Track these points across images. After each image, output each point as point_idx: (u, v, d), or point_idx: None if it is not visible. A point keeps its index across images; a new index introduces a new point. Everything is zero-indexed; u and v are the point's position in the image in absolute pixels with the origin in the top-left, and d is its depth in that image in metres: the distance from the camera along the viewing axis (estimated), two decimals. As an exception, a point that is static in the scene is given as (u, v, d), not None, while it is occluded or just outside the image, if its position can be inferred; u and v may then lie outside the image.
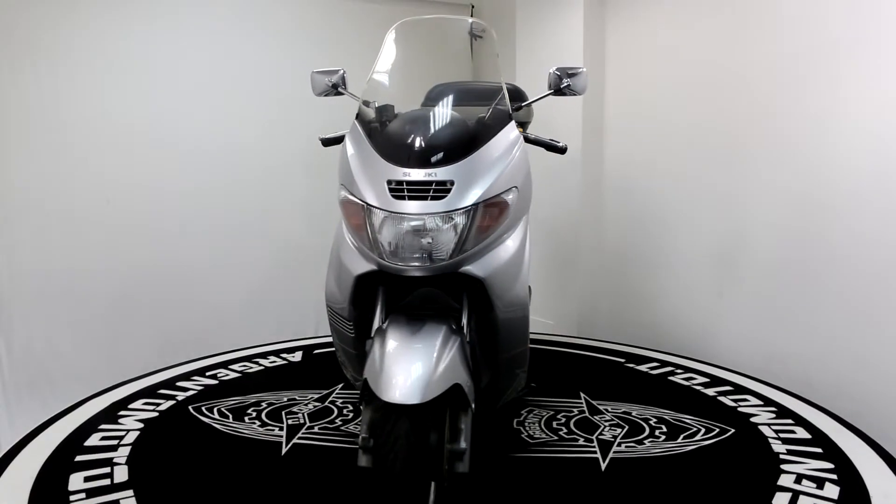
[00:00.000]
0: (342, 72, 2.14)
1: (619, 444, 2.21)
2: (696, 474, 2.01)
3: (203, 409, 2.52)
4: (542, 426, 2.38)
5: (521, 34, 3.83)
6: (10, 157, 3.28)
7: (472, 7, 3.98)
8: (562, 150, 2.10)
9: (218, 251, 3.78)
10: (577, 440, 2.26)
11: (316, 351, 3.33)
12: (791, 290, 2.81)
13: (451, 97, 2.00)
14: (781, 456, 2.09)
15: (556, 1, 3.72)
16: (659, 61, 3.44)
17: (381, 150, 1.76)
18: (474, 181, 1.68)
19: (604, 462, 2.10)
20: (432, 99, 2.29)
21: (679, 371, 2.96)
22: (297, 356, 3.24)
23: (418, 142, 1.73)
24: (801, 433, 2.26)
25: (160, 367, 2.96)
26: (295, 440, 2.26)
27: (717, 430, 2.31)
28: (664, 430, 2.33)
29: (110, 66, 3.44)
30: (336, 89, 2.13)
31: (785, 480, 1.93)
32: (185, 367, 3.01)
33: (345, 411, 2.53)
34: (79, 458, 2.07)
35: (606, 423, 2.39)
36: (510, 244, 1.79)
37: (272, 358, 3.19)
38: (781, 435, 2.25)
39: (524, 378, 2.08)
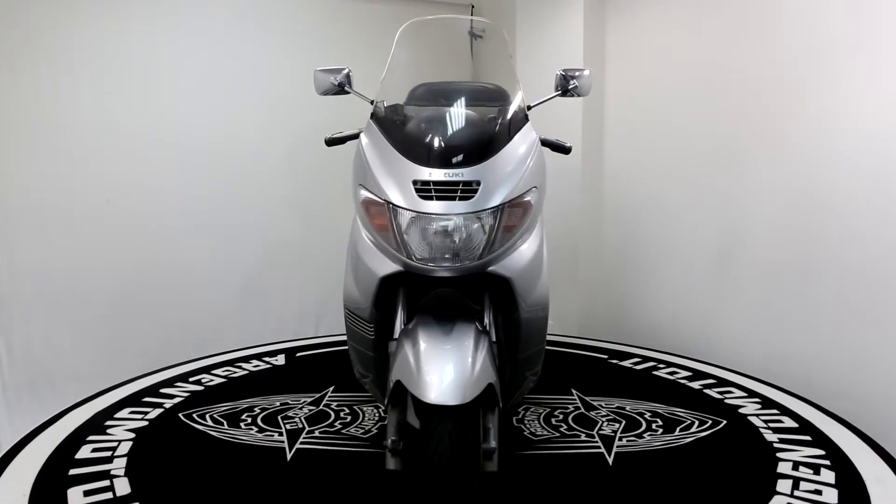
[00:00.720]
0: (348, 70, 2.11)
1: (620, 439, 2.27)
2: (700, 465, 2.08)
3: (194, 416, 2.44)
4: (542, 423, 2.42)
5: (521, 34, 3.80)
6: (10, 157, 3.26)
7: (472, 7, 3.98)
8: (567, 151, 2.13)
9: (218, 251, 3.76)
10: (578, 436, 2.30)
11: (299, 354, 3.28)
12: (791, 290, 2.80)
13: (463, 98, 1.99)
14: (775, 445, 2.19)
15: (556, 1, 3.70)
16: (659, 61, 3.44)
17: (403, 149, 1.74)
18: (500, 181, 1.69)
19: (610, 457, 2.14)
20: (417, 98, 2.29)
21: (662, 366, 3.05)
22: (281, 359, 3.18)
23: (444, 142, 1.72)
24: (789, 422, 2.37)
25: (139, 374, 2.85)
26: (298, 445, 2.21)
27: (710, 422, 2.40)
28: (660, 423, 2.40)
29: (110, 66, 3.42)
30: (342, 88, 2.10)
31: (783, 468, 2.02)
32: (167, 373, 2.90)
33: (341, 414, 2.50)
34: (73, 471, 1.97)
35: (603, 419, 2.44)
36: (531, 244, 1.81)
37: (255, 362, 3.12)
38: (771, 425, 2.35)
39: (535, 378, 2.11)
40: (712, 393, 2.69)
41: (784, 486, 1.91)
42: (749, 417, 2.42)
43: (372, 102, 2.00)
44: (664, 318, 3.50)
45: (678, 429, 2.35)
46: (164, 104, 3.55)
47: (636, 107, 3.58)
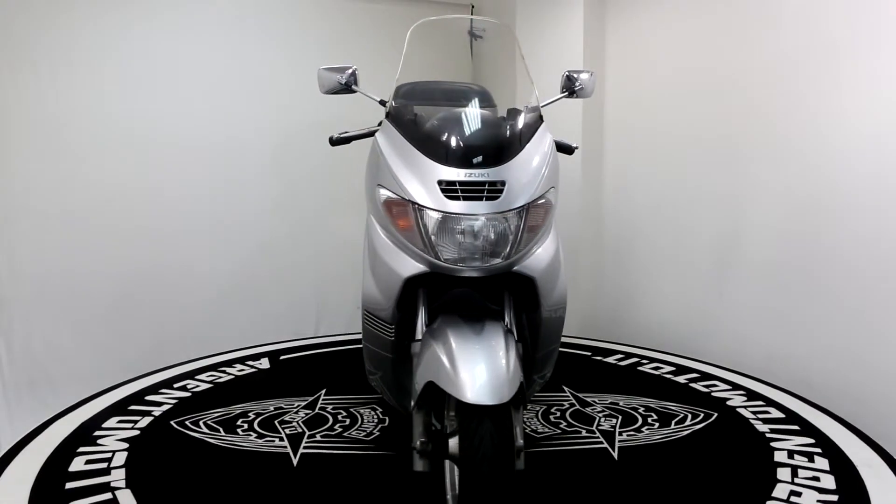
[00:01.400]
0: (354, 69, 2.07)
1: (620, 434, 2.32)
2: (701, 457, 2.15)
3: (187, 423, 2.36)
4: (541, 420, 2.45)
5: (521, 34, 3.71)
6: (10, 157, 3.20)
7: (473, 7, 3.97)
8: (572, 151, 2.17)
9: (218, 251, 3.69)
10: (579, 432, 2.34)
11: (282, 357, 3.21)
12: (790, 290, 2.80)
13: (477, 99, 1.99)
14: (767, 435, 2.28)
15: (556, 1, 3.69)
16: (659, 61, 3.45)
17: (425, 149, 1.73)
18: (523, 182, 1.70)
19: (614, 451, 2.19)
20: (402, 96, 2.27)
21: (645, 361, 3.13)
22: (265, 363, 3.10)
23: (468, 142, 1.72)
24: (775, 413, 2.47)
25: (121, 381, 2.74)
26: (301, 450, 2.17)
27: (702, 415, 2.48)
28: (655, 417, 2.46)
29: (110, 66, 3.37)
30: (349, 87, 2.06)
31: (780, 457, 2.11)
32: (149, 379, 2.80)
33: (339, 417, 2.46)
34: (70, 485, 1.87)
35: (600, 415, 2.49)
36: (550, 244, 1.83)
37: (238, 366, 3.04)
38: (759, 416, 2.44)
39: (543, 382, 2.13)
40: (698, 387, 2.78)
41: (784, 473, 1.99)
42: (738, 409, 2.51)
43: (381, 102, 1.98)
44: (664, 318, 3.50)
45: (673, 422, 2.41)
46: (163, 104, 3.51)
47: (636, 107, 3.59)
